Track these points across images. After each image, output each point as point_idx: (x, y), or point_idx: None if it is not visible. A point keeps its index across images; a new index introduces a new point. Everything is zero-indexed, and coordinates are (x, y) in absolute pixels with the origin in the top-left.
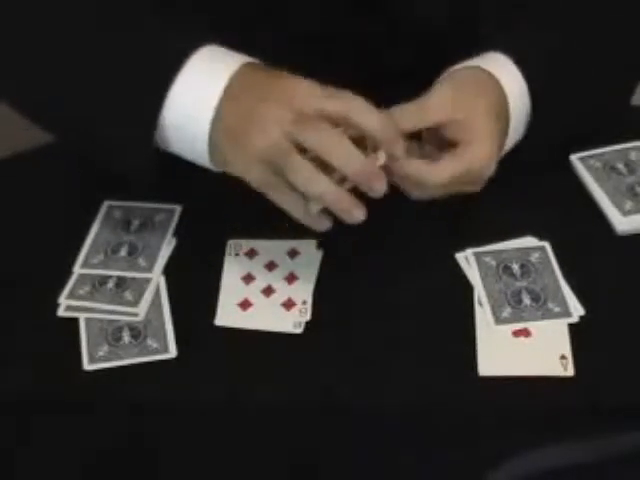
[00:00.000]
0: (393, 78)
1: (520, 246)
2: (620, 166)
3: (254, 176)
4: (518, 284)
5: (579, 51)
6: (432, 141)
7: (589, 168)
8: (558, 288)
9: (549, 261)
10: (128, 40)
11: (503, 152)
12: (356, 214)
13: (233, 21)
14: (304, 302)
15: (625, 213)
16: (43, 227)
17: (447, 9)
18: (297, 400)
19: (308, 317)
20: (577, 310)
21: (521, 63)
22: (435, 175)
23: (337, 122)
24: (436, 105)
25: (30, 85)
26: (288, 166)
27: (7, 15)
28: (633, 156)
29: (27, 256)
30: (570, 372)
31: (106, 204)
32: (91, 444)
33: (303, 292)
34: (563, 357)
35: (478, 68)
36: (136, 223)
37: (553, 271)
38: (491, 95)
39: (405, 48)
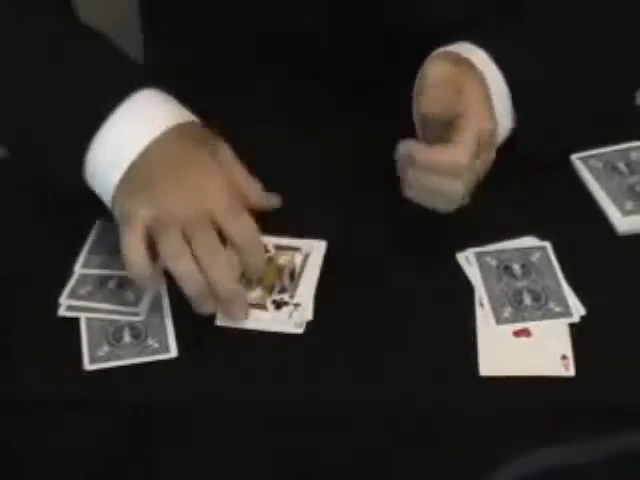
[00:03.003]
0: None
1: (521, 246)
2: (621, 166)
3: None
4: (519, 284)
5: (571, 56)
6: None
7: (590, 168)
8: (559, 288)
9: (549, 261)
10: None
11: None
12: (204, 309)
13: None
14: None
15: (626, 213)
16: (44, 227)
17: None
18: (297, 400)
19: (310, 316)
20: (578, 310)
21: (498, 60)
22: (456, 154)
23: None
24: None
25: None
26: (165, 237)
27: None
28: (634, 156)
29: (27, 256)
30: (571, 372)
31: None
32: (91, 444)
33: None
34: (564, 357)
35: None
36: None
37: (554, 271)
38: (474, 77)
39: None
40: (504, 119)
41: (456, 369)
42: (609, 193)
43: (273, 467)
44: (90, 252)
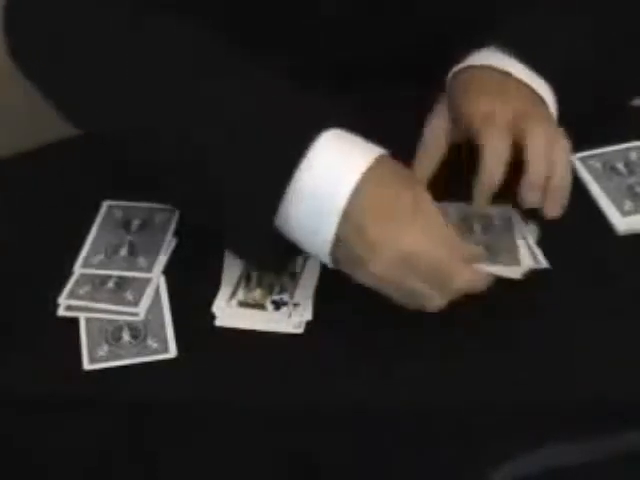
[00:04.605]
0: (394, 74)
1: None
2: (620, 166)
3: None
4: None
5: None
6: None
7: (589, 168)
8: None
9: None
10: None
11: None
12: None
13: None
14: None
15: (625, 213)
16: (43, 227)
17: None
18: (297, 400)
19: (309, 317)
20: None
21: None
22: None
23: None
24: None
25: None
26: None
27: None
28: (633, 156)
29: (27, 256)
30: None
31: (106, 204)
32: (91, 444)
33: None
34: None
35: (490, 68)
36: (136, 223)
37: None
38: (515, 95)
39: (406, 45)
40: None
41: (456, 369)
42: (608, 193)
43: (273, 467)
44: (89, 252)
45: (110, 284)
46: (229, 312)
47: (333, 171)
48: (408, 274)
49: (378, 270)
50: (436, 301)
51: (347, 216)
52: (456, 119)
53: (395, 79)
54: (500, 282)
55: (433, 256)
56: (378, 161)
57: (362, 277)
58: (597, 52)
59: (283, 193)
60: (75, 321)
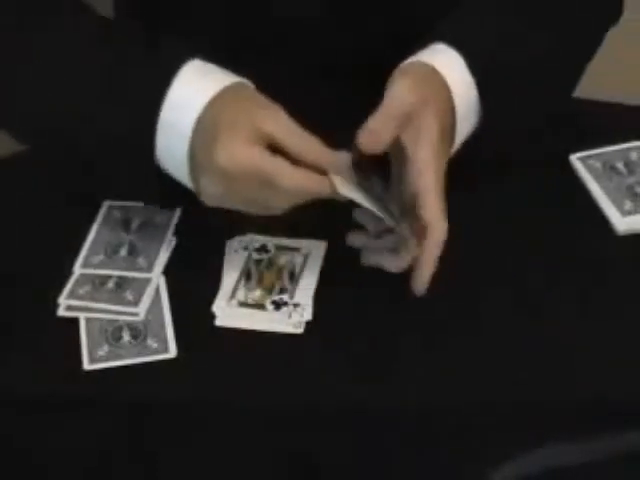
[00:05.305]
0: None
1: None
2: (620, 166)
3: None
4: None
5: (528, 39)
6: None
7: (589, 168)
8: None
9: None
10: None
11: (455, 145)
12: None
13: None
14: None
15: (625, 213)
16: (43, 227)
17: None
18: (297, 400)
19: (309, 317)
20: None
21: (467, 55)
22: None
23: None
24: (398, 96)
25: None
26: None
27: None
28: (633, 156)
29: (27, 256)
30: None
31: (106, 204)
32: (91, 444)
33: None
34: None
35: (425, 65)
36: (136, 223)
37: None
38: (437, 96)
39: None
40: (464, 125)
41: (455, 369)
42: (608, 193)
43: (273, 467)
44: (89, 252)
45: (110, 284)
46: (229, 312)
47: (185, 100)
48: (231, 185)
49: (206, 192)
50: (274, 203)
51: (192, 140)
52: None
53: (361, 80)
54: (500, 282)
55: (245, 164)
56: (228, 87)
57: (205, 200)
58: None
59: (153, 129)
60: (75, 321)
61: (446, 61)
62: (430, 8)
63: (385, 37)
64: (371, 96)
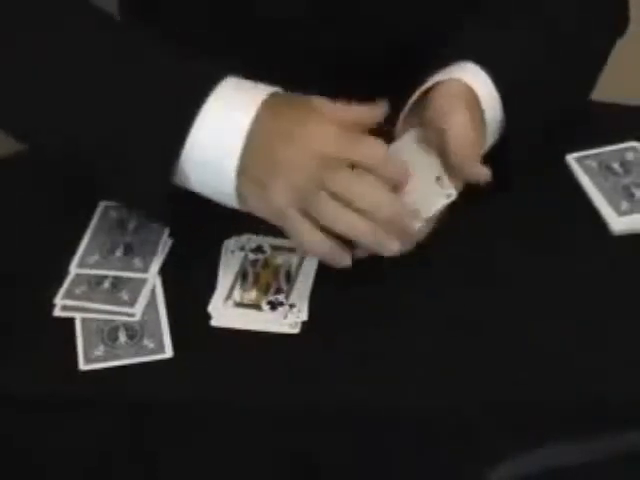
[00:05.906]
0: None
1: None
2: (616, 166)
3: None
4: None
5: (546, 49)
6: None
7: (585, 168)
8: None
9: None
10: (146, 71)
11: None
12: (390, 246)
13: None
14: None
15: (621, 213)
16: (40, 227)
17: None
18: (297, 400)
19: (305, 317)
20: None
21: (491, 70)
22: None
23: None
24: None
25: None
26: (315, 206)
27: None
28: (629, 156)
29: (24, 256)
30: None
31: (102, 204)
32: (91, 444)
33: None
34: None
35: (464, 84)
36: (132, 223)
37: None
38: (475, 112)
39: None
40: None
41: (455, 369)
42: (604, 193)
43: (273, 467)
44: (85, 252)
45: (106, 284)
46: (225, 312)
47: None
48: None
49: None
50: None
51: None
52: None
53: (346, 81)
54: (498, 282)
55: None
56: (266, 102)
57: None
58: (548, 65)
59: (181, 148)
60: (71, 321)
61: (475, 77)
62: (414, 9)
63: (369, 38)
64: (355, 97)
